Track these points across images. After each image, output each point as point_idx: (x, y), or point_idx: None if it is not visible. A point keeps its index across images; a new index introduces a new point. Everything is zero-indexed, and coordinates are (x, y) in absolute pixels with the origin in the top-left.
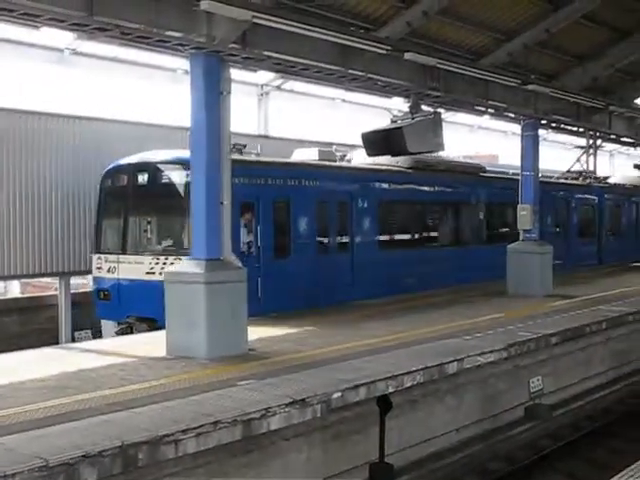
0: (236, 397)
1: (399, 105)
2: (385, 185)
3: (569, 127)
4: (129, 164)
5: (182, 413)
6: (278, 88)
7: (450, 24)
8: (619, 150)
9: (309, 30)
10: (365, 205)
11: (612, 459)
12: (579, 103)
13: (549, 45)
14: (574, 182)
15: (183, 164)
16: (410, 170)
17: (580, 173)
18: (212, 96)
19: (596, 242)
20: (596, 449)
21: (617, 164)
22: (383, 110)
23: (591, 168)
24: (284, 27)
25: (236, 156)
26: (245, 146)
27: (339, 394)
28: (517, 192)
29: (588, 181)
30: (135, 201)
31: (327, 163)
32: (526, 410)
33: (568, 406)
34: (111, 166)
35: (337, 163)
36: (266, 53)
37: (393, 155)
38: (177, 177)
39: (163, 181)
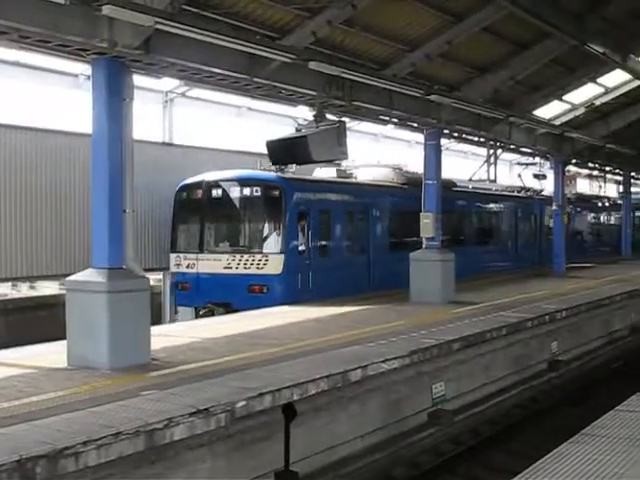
0: (138, 407)
1: (304, 114)
2: (390, 197)
3: (471, 137)
4: (205, 181)
5: (83, 425)
6: (183, 95)
7: (355, 34)
8: (519, 160)
9: (213, 37)
10: (378, 214)
11: (511, 462)
12: (480, 114)
13: (451, 56)
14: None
15: (252, 181)
16: (405, 186)
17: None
18: (114, 103)
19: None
20: (496, 453)
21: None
22: (289, 119)
23: (492, 177)
24: (188, 34)
25: (290, 175)
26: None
27: (243, 403)
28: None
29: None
30: (210, 211)
31: (351, 180)
32: (429, 416)
33: (469, 411)
34: (185, 182)
35: (356, 180)
36: (170, 60)
37: (298, 164)
38: (247, 192)
39: (237, 195)
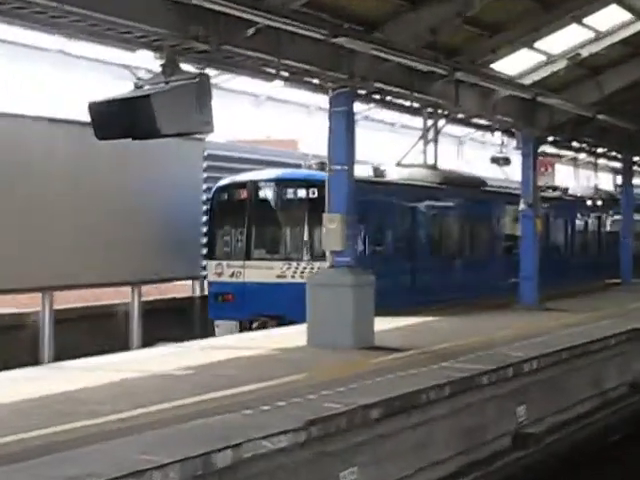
0: None
1: (148, 63)
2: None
3: (399, 101)
4: (251, 181)
5: None
6: None
7: None
8: (472, 136)
9: None
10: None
11: None
12: (412, 66)
13: None
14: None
15: (309, 182)
16: (444, 186)
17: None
18: None
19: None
20: None
21: (468, 155)
22: (126, 70)
23: (431, 160)
24: None
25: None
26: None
27: None
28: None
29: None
30: (259, 214)
31: (406, 182)
32: None
33: None
34: (225, 182)
35: (403, 181)
36: None
37: (137, 137)
38: (303, 194)
39: (291, 197)
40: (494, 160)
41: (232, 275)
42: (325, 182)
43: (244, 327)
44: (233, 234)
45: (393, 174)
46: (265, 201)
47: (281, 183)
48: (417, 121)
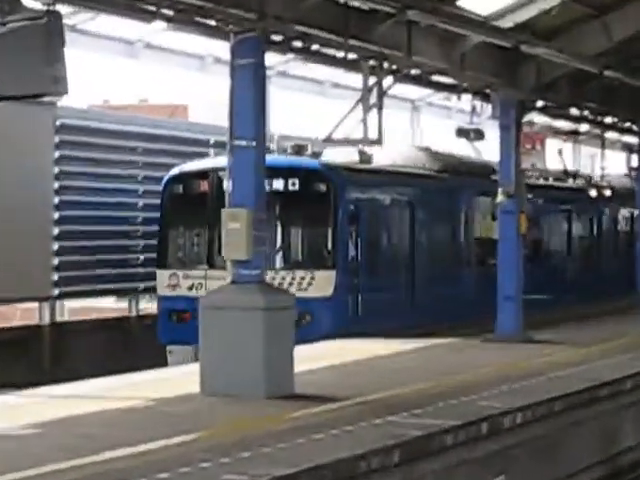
0: None
1: None
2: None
3: (328, 51)
4: (214, 168)
5: None
6: None
7: None
8: (430, 100)
9: None
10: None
11: None
12: (347, 3)
13: None
14: None
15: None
16: (445, 174)
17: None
18: None
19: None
20: None
21: (426, 126)
22: None
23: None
24: None
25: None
26: None
27: None
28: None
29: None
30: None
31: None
32: None
33: None
34: (180, 171)
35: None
36: None
37: None
38: (280, 186)
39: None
40: (461, 133)
41: (191, 288)
42: (311, 171)
43: None
44: (191, 236)
45: (379, 159)
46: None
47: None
48: (355, 79)
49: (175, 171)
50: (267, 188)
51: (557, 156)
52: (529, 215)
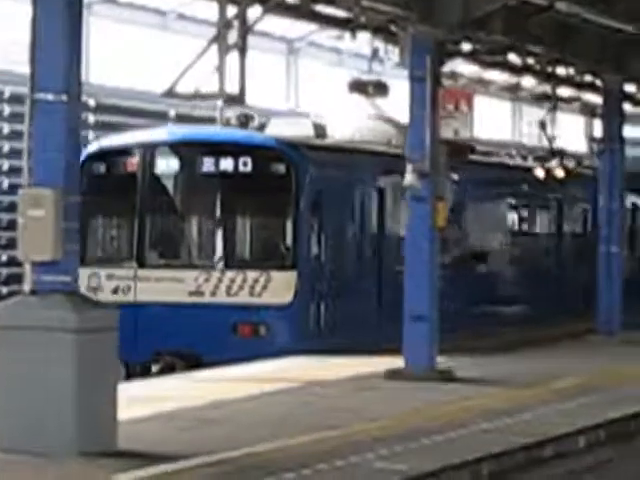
0: None
1: None
2: None
3: None
4: (145, 144)
5: None
6: None
7: None
8: (313, 40)
9: None
10: None
11: None
12: None
13: None
14: None
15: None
16: None
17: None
18: None
19: None
20: None
21: (307, 74)
22: None
23: (234, 86)
24: None
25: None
26: None
27: None
28: None
29: None
30: (159, 196)
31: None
32: None
33: None
34: (99, 147)
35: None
36: None
37: None
38: (229, 165)
39: (210, 170)
40: (356, 86)
41: (116, 291)
42: (267, 148)
43: (135, 372)
44: (115, 227)
45: (335, 132)
46: (169, 177)
47: (195, 148)
48: (210, 9)
49: (94, 147)
50: (210, 169)
51: (538, 129)
52: (453, 203)
